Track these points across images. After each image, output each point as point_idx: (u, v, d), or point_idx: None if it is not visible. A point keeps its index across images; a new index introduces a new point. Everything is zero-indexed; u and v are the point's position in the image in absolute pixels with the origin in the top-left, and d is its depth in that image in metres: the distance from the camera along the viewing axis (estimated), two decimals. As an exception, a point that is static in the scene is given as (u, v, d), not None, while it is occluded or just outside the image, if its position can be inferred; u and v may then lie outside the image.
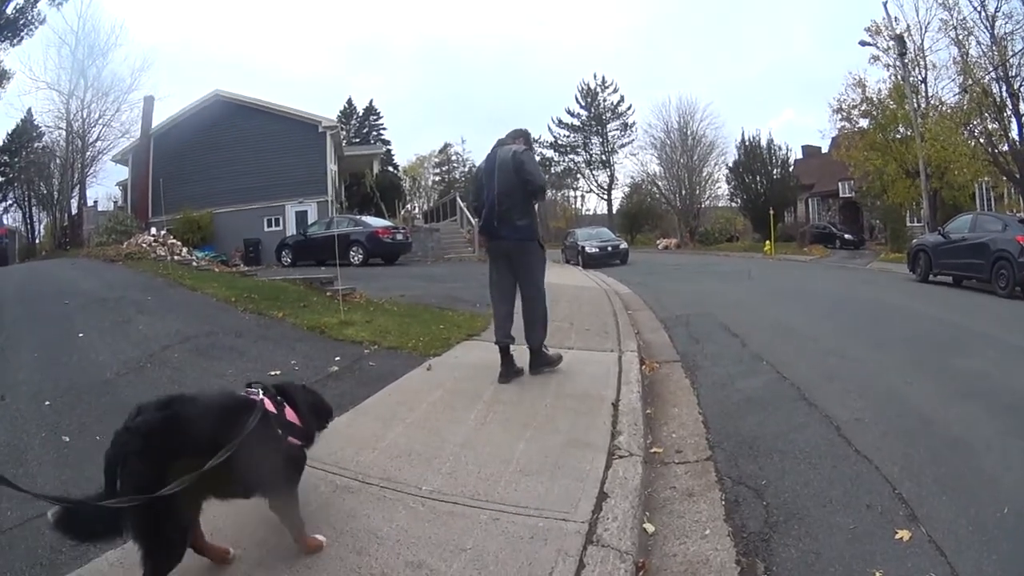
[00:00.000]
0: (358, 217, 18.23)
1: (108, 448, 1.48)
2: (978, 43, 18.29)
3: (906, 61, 20.17)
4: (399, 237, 16.81)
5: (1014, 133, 17.78)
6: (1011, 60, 16.92)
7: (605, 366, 4.45)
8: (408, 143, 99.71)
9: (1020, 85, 17.32)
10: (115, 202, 27.15)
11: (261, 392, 1.77)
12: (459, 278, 10.67)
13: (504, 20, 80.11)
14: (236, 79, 56.54)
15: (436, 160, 55.76)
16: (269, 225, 21.08)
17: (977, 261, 11.29)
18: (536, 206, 4.27)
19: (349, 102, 54.52)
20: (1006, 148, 17.92)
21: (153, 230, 15.25)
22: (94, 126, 26.83)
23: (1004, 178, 18.98)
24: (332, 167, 22.84)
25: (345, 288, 7.42)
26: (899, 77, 21.02)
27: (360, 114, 53.85)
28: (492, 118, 58.71)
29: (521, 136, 4.32)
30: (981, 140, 18.25)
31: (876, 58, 21.87)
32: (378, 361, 4.45)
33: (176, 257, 11.63)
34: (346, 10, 79.90)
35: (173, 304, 6.38)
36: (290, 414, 1.83)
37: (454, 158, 54.74)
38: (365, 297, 7.41)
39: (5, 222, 29.47)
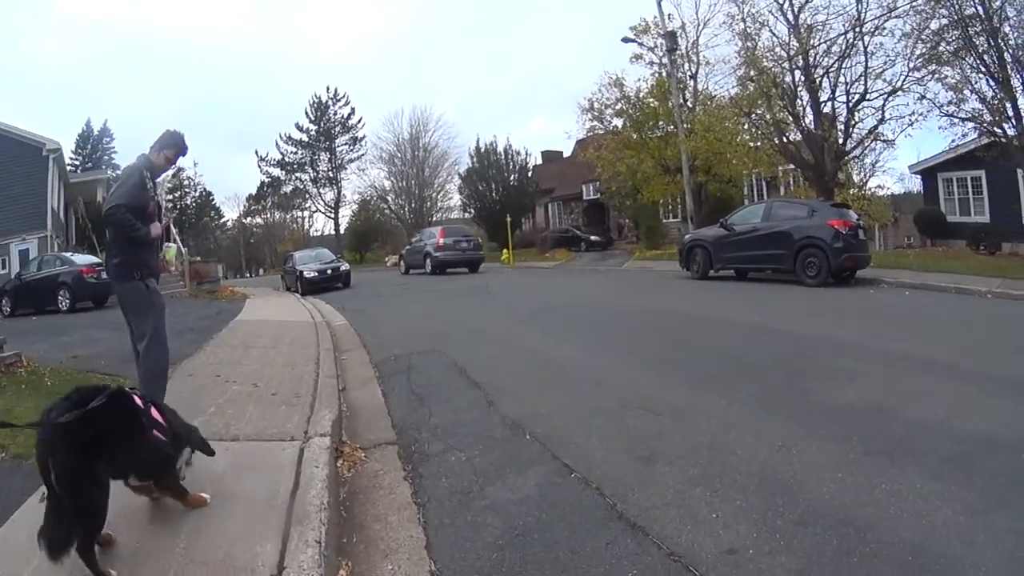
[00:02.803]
0: (67, 255, 15.53)
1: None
2: (773, 34, 17.67)
3: (675, 58, 19.93)
4: (104, 276, 14.54)
5: (808, 120, 17.59)
6: (816, 47, 16.68)
7: (276, 476, 2.71)
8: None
9: (824, 73, 16.73)
10: None
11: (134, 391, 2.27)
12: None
13: (257, 33, 74.73)
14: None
15: (169, 186, 49.33)
16: (-4, 267, 17.67)
17: (777, 251, 10.61)
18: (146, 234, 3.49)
19: (88, 124, 46.64)
20: (797, 136, 17.75)
21: None
22: None
23: (792, 166, 18.99)
24: (55, 197, 19.36)
25: (10, 355, 5.71)
26: (665, 74, 20.44)
27: (96, 136, 46.45)
28: (239, 137, 53.50)
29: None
30: (766, 130, 18.17)
31: (639, 56, 21.29)
32: (-4, 480, 2.66)
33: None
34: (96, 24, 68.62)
35: None
36: (156, 413, 2.23)
37: (187, 183, 48.85)
38: (32, 363, 5.79)
39: None
